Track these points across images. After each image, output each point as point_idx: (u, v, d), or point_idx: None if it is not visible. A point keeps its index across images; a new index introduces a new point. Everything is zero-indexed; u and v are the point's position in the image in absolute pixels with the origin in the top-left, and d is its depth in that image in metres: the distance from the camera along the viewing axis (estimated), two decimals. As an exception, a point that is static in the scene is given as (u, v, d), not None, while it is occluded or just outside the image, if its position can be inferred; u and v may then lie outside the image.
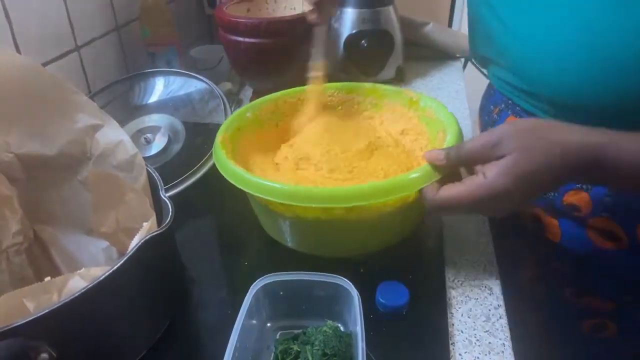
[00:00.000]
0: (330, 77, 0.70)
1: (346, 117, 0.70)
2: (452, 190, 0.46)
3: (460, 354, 0.47)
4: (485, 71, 0.70)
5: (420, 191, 0.48)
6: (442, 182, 0.48)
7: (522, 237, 0.65)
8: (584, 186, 0.56)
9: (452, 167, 0.48)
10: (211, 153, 0.70)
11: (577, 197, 0.56)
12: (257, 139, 0.66)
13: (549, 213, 0.61)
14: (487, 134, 0.46)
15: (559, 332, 0.68)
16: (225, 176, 0.53)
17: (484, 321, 0.50)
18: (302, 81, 0.70)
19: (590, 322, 0.63)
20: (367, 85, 0.69)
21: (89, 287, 0.37)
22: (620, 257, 0.56)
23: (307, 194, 0.48)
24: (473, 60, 1.12)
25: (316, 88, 0.67)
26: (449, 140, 0.53)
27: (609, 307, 0.61)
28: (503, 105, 0.65)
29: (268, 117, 0.68)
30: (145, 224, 0.44)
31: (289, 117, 0.69)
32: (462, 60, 1.14)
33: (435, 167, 0.48)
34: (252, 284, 0.45)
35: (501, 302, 0.52)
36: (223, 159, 0.55)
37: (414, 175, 0.48)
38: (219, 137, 0.59)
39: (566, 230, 0.60)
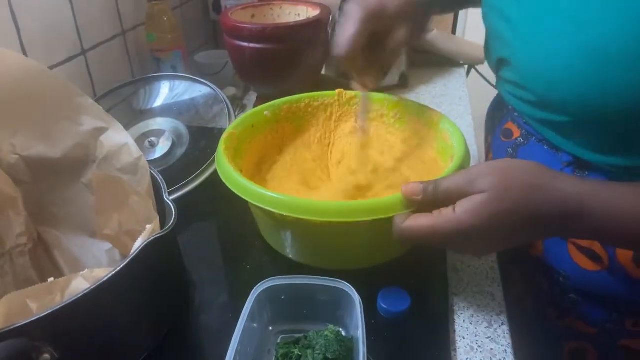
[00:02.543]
0: (335, 84, 0.71)
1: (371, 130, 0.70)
2: (419, 221, 0.44)
3: (461, 360, 0.47)
4: (492, 80, 0.69)
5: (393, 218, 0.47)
6: (415, 210, 0.47)
7: (510, 251, 0.64)
8: None
9: (429, 203, 0.45)
10: (214, 157, 0.70)
11: None
12: (273, 137, 0.67)
13: None
14: (466, 172, 0.44)
15: (543, 352, 0.66)
16: (219, 174, 0.55)
17: (486, 327, 0.50)
18: (307, 88, 0.70)
19: (572, 345, 0.62)
20: (394, 98, 0.69)
21: (91, 288, 0.37)
22: (601, 279, 0.55)
23: (279, 202, 0.48)
24: (477, 68, 1.13)
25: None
26: (449, 169, 0.52)
27: (590, 332, 0.59)
28: (509, 119, 0.65)
29: (288, 118, 0.68)
30: (148, 226, 0.44)
31: (310, 119, 0.70)
32: (466, 67, 1.14)
33: (411, 202, 0.46)
34: (254, 287, 0.45)
35: (503, 309, 0.52)
36: (220, 155, 0.56)
37: (391, 202, 0.47)
38: (224, 136, 0.59)
39: (548, 245, 0.59)
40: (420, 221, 0.44)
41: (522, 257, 0.63)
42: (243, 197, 0.51)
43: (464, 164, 0.54)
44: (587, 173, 0.53)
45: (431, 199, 0.45)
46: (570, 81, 0.48)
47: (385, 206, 0.47)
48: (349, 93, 0.70)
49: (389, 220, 0.47)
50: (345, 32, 0.53)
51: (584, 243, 0.55)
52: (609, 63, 0.45)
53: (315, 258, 0.56)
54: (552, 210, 0.42)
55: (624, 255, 0.52)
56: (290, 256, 0.57)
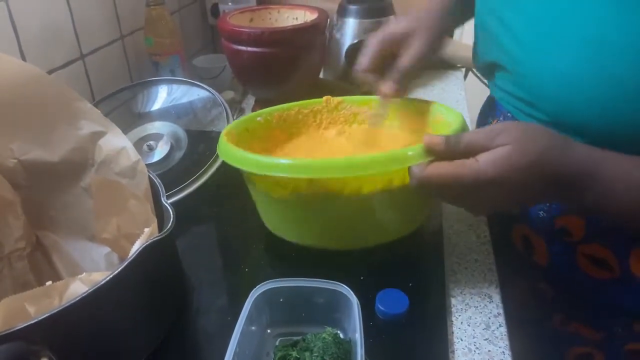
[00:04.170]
0: (333, 88, 0.72)
1: (360, 130, 0.71)
2: (439, 168, 0.44)
3: (459, 362, 0.47)
4: (486, 82, 0.69)
5: (409, 168, 0.47)
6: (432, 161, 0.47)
7: (513, 258, 0.64)
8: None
9: (450, 154, 0.45)
10: (213, 160, 0.71)
11: (569, 221, 0.55)
12: (265, 144, 0.67)
13: (539, 235, 0.59)
14: (487, 128, 0.45)
15: (544, 357, 0.66)
16: (222, 157, 0.55)
17: (483, 329, 0.50)
18: (305, 91, 0.71)
19: (577, 350, 0.61)
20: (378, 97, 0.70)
21: (89, 291, 0.37)
22: (610, 287, 0.55)
23: (300, 165, 0.49)
24: (474, 70, 1.14)
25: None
26: (452, 129, 0.52)
27: (596, 337, 0.59)
28: (502, 118, 0.64)
29: (280, 124, 0.69)
30: (146, 229, 0.44)
31: (300, 127, 0.70)
32: (463, 70, 1.15)
33: (433, 151, 0.46)
34: (251, 290, 0.46)
35: (501, 310, 0.52)
36: (225, 144, 0.56)
37: (409, 152, 0.47)
38: (225, 130, 0.60)
39: (555, 255, 0.58)
40: (442, 169, 0.44)
41: (525, 267, 0.63)
42: (254, 170, 0.51)
43: (463, 127, 0.54)
44: None
45: (452, 150, 0.45)
46: (590, 107, 0.48)
47: (402, 156, 0.47)
48: (336, 99, 0.71)
49: (402, 189, 0.47)
50: (362, 55, 0.61)
51: (595, 253, 0.55)
52: (633, 91, 0.44)
53: (319, 237, 0.56)
54: (568, 170, 0.42)
55: (637, 266, 0.52)
56: (294, 240, 0.57)
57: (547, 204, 0.57)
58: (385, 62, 0.60)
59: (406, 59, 0.59)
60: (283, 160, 0.51)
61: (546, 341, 0.65)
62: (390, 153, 0.48)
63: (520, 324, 0.61)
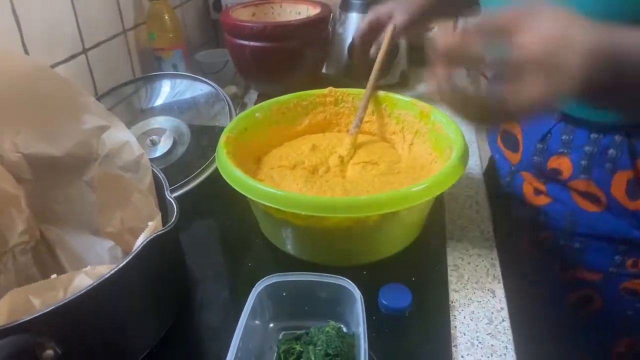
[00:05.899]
0: (335, 83, 0.72)
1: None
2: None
3: (462, 356, 0.47)
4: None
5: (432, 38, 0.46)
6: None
7: (519, 208, 0.68)
8: (565, 150, 0.58)
9: (468, 47, 0.41)
10: (216, 158, 0.71)
11: (558, 162, 0.60)
12: (266, 139, 0.67)
13: (538, 178, 0.64)
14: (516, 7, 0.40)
15: (546, 305, 0.69)
16: (223, 175, 0.55)
17: (486, 324, 0.50)
18: (307, 86, 0.71)
19: (577, 293, 0.64)
20: (381, 93, 0.70)
21: (94, 284, 0.37)
22: (602, 219, 0.58)
23: (301, 201, 0.49)
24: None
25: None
26: (454, 158, 0.53)
27: (595, 277, 0.62)
28: None
29: (279, 118, 0.69)
30: (150, 223, 0.44)
31: (301, 118, 0.71)
32: (466, 65, 1.14)
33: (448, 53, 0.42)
34: (255, 284, 0.46)
35: (504, 305, 0.52)
36: (223, 159, 0.56)
37: (415, 189, 0.48)
38: (223, 138, 0.60)
39: (553, 194, 0.63)
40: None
41: (525, 209, 0.66)
42: (250, 196, 0.51)
43: (464, 154, 0.54)
44: (574, 129, 0.57)
45: (475, 33, 0.42)
46: None
47: (402, 198, 0.48)
48: (339, 91, 0.70)
49: (395, 214, 0.47)
50: (355, 37, 0.72)
51: (583, 187, 0.58)
52: None
53: (318, 255, 0.56)
54: (603, 40, 0.38)
55: (617, 190, 0.56)
56: (292, 253, 0.57)
57: (540, 149, 0.61)
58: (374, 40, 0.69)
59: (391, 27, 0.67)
60: (279, 192, 0.50)
61: (544, 293, 0.69)
62: (389, 194, 0.49)
63: (519, 277, 0.64)
